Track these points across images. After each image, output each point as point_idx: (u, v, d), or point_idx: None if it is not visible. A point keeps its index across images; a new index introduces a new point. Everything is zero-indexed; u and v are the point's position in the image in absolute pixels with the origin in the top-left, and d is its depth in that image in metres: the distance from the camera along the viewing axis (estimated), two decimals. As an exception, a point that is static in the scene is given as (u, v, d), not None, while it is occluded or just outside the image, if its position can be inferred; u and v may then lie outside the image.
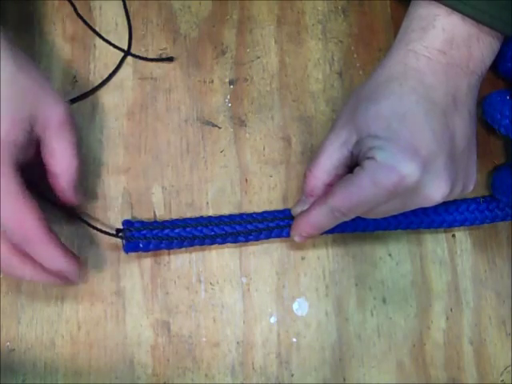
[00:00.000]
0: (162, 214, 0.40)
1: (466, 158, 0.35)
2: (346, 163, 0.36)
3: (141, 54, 0.43)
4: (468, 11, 0.33)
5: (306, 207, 0.37)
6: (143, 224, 0.39)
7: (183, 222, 0.39)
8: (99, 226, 0.39)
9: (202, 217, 0.40)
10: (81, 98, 0.42)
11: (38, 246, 0.33)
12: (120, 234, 0.38)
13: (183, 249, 0.40)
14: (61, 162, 0.35)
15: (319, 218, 0.36)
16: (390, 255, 0.41)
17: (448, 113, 0.34)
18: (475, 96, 0.36)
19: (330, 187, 0.36)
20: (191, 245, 0.39)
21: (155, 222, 0.39)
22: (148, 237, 0.38)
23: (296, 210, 0.38)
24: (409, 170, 0.32)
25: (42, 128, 0.35)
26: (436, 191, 0.33)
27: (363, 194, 0.33)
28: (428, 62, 0.34)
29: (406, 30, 0.36)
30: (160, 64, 0.43)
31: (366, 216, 0.36)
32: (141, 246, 0.38)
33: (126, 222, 0.39)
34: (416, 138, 0.33)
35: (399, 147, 0.32)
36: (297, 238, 0.38)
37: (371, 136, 0.33)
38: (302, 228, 0.37)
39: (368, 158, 0.33)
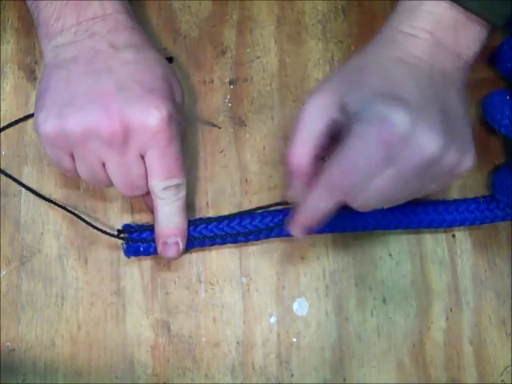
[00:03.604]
0: (161, 214, 0.40)
1: (461, 126, 0.34)
2: (329, 133, 0.33)
3: (141, 54, 0.43)
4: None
5: (299, 190, 0.35)
6: (143, 227, 0.39)
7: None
8: (99, 227, 0.39)
9: (201, 218, 0.40)
10: (81, 98, 0.42)
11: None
12: (121, 236, 0.38)
13: (183, 249, 0.40)
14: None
15: (320, 204, 0.33)
16: (390, 255, 0.41)
17: (435, 81, 0.34)
18: (463, 81, 0.35)
19: (316, 167, 0.34)
20: (192, 247, 0.39)
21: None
22: (148, 239, 0.38)
23: (292, 195, 0.36)
24: (398, 117, 0.31)
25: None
26: (429, 141, 0.31)
27: (358, 158, 0.31)
28: (414, 39, 0.34)
29: (394, 14, 0.36)
30: (160, 64, 0.42)
31: (368, 202, 0.33)
32: (141, 249, 0.38)
33: (126, 226, 0.39)
34: (402, 93, 0.32)
35: (387, 102, 0.31)
36: (297, 232, 0.36)
37: (359, 99, 0.32)
38: (302, 219, 0.35)
39: (356, 122, 0.32)
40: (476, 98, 0.43)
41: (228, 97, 0.43)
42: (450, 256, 0.41)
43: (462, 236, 0.41)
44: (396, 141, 0.31)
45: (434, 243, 0.41)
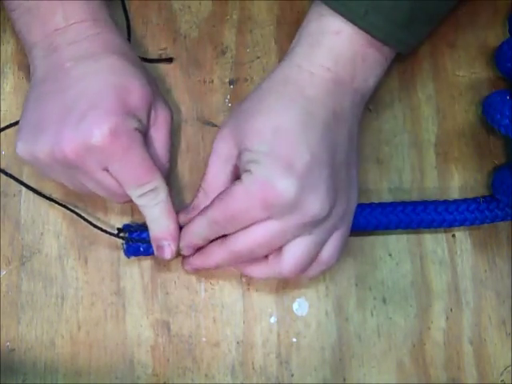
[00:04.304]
0: (161, 214, 0.40)
1: (346, 171, 0.35)
2: (234, 177, 0.36)
3: (141, 54, 0.43)
4: (365, 26, 0.33)
5: (189, 216, 0.37)
6: (143, 227, 0.38)
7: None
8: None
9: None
10: (81, 98, 0.42)
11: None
12: (121, 235, 0.38)
13: (183, 249, 0.40)
14: (156, 161, 0.36)
15: (199, 230, 0.36)
16: (390, 255, 0.41)
17: (327, 125, 0.34)
18: (357, 115, 0.36)
19: None
20: None
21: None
22: (148, 239, 0.38)
23: (180, 218, 0.38)
24: (284, 185, 0.32)
25: (152, 121, 0.37)
26: (315, 203, 0.32)
27: (237, 205, 0.33)
28: (311, 76, 0.34)
29: (296, 44, 0.36)
30: (160, 64, 0.42)
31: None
32: (141, 249, 0.38)
33: (126, 226, 0.39)
34: (290, 152, 0.32)
35: (274, 161, 0.32)
36: (184, 251, 0.37)
37: (248, 150, 0.33)
38: (186, 240, 0.37)
39: (246, 171, 0.33)
40: (476, 98, 0.43)
41: (228, 97, 0.43)
42: (450, 256, 0.41)
43: (461, 236, 0.42)
44: (280, 204, 0.32)
45: (434, 243, 0.41)
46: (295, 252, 0.34)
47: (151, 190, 0.35)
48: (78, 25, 0.35)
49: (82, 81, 0.34)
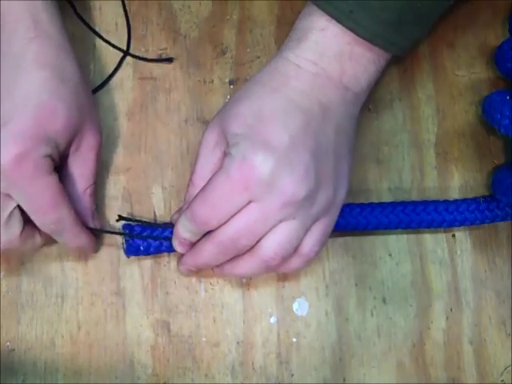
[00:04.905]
0: (162, 214, 0.40)
1: (334, 162, 0.34)
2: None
3: (141, 54, 0.43)
4: (350, 25, 0.33)
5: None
6: (143, 227, 0.38)
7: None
8: (99, 226, 0.39)
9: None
10: (81, 98, 0.42)
11: (68, 231, 0.35)
12: (122, 232, 0.38)
13: (183, 249, 0.40)
14: (79, 185, 0.37)
15: (184, 224, 0.35)
16: (390, 255, 0.41)
17: (310, 114, 0.33)
18: (352, 112, 0.36)
19: None
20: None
21: (155, 224, 0.39)
22: (149, 237, 0.38)
23: (173, 217, 0.38)
24: (260, 159, 0.32)
25: (76, 145, 0.36)
26: (292, 181, 0.32)
27: (217, 191, 0.33)
28: (297, 69, 0.34)
29: (287, 40, 0.36)
30: (160, 64, 0.43)
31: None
32: (141, 249, 0.38)
33: (126, 226, 0.39)
34: (269, 133, 0.32)
35: (252, 141, 0.32)
36: (177, 249, 0.37)
37: (230, 133, 0.34)
38: (176, 237, 0.36)
39: (227, 156, 0.33)
40: (476, 98, 0.43)
41: (228, 97, 0.43)
42: (450, 256, 0.41)
43: (461, 236, 0.42)
44: (255, 181, 0.32)
45: (434, 243, 0.41)
46: (276, 236, 0.33)
47: (54, 222, 0.34)
48: (13, 24, 0.33)
49: (3, 93, 0.33)
